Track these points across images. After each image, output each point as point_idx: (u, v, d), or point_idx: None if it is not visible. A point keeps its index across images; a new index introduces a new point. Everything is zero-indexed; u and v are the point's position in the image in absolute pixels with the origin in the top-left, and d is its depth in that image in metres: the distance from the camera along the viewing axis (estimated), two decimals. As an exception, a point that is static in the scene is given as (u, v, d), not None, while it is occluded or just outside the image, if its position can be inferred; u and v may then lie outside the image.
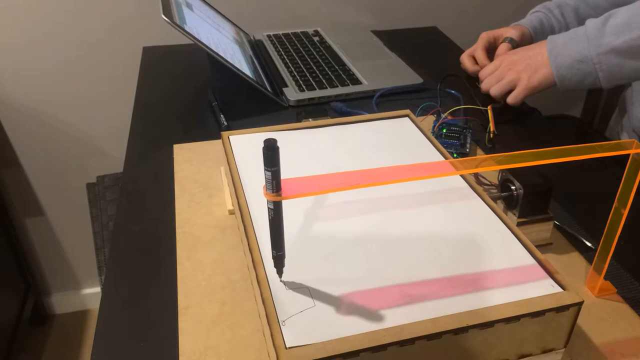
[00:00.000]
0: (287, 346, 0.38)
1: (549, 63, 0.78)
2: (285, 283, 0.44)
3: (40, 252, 1.54)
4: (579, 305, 0.43)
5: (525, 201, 0.57)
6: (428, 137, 0.64)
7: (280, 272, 0.44)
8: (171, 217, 0.64)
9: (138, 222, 0.64)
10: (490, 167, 0.44)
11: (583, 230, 0.63)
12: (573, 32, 0.77)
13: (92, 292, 1.65)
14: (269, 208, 0.40)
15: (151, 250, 0.60)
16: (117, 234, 0.63)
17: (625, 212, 0.48)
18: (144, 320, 0.52)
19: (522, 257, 0.47)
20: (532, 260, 0.46)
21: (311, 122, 0.67)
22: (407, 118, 0.69)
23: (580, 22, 0.94)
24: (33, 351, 1.54)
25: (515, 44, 0.91)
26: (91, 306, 1.66)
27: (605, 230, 0.51)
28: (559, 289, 0.44)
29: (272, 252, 0.42)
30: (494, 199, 0.60)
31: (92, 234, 1.13)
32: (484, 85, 0.88)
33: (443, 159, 0.60)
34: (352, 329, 0.40)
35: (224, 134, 0.64)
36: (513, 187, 0.58)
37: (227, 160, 0.59)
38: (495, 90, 0.85)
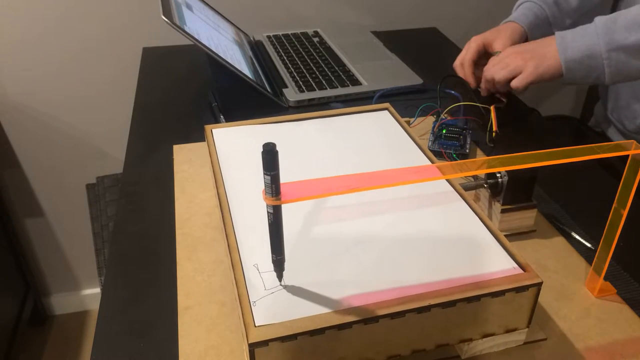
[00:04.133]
0: (256, 324, 0.40)
1: (558, 56, 0.78)
2: (257, 267, 0.45)
3: (40, 252, 1.54)
4: (538, 285, 0.44)
5: (510, 189, 0.58)
6: (405, 129, 0.66)
7: (280, 276, 0.44)
8: (171, 218, 0.64)
9: (138, 223, 0.64)
10: (492, 169, 0.44)
11: (583, 230, 0.63)
12: (582, 29, 0.78)
13: (91, 293, 1.65)
14: (268, 212, 0.40)
15: (151, 251, 0.60)
16: (117, 235, 0.63)
17: (625, 213, 0.48)
18: (144, 321, 0.52)
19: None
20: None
21: (294, 115, 0.68)
22: (386, 111, 0.70)
23: (575, 10, 0.95)
24: (32, 352, 1.54)
25: None
26: (91, 307, 1.66)
27: (605, 230, 0.51)
28: (520, 271, 0.45)
29: (272, 257, 0.43)
30: (479, 187, 0.61)
31: (91, 234, 1.13)
32: (487, 73, 0.87)
33: (419, 149, 0.62)
34: (320, 309, 0.41)
35: (207, 127, 0.65)
36: (498, 175, 0.59)
37: (209, 152, 0.61)
38: (500, 75, 0.84)
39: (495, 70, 0.85)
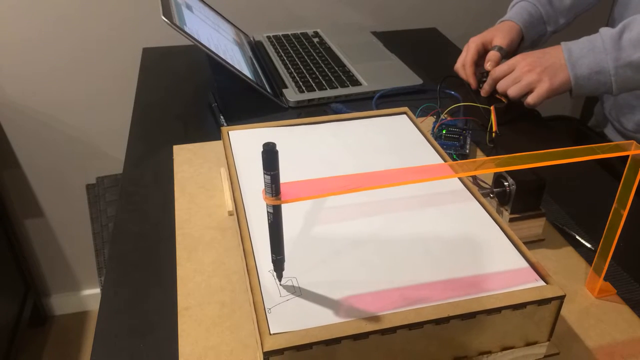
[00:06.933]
0: (272, 332, 0.39)
1: (567, 70, 0.79)
2: (272, 273, 0.44)
3: (39, 253, 1.54)
4: (560, 298, 0.43)
5: (518, 197, 0.57)
6: (425, 135, 0.65)
7: (280, 276, 0.43)
8: (171, 218, 0.64)
9: (138, 223, 0.64)
10: (491, 169, 0.43)
11: (583, 231, 0.63)
12: (589, 42, 0.78)
13: (91, 294, 1.65)
14: (268, 212, 0.39)
15: (151, 251, 0.60)
16: (117, 235, 0.63)
17: (625, 213, 0.48)
18: (144, 321, 0.52)
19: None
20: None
21: (310, 118, 0.67)
22: (404, 115, 0.69)
23: (569, 9, 0.96)
24: (32, 353, 1.54)
25: (505, 52, 0.91)
26: (91, 307, 1.66)
27: (605, 231, 0.51)
28: (542, 283, 0.44)
29: (272, 256, 0.42)
30: (487, 195, 0.60)
31: (91, 235, 1.13)
32: (500, 86, 0.86)
33: (439, 156, 0.61)
34: (336, 317, 0.40)
35: (224, 129, 0.64)
36: (506, 183, 0.58)
37: (226, 154, 0.60)
38: (513, 91, 0.84)
39: (506, 84, 0.85)
